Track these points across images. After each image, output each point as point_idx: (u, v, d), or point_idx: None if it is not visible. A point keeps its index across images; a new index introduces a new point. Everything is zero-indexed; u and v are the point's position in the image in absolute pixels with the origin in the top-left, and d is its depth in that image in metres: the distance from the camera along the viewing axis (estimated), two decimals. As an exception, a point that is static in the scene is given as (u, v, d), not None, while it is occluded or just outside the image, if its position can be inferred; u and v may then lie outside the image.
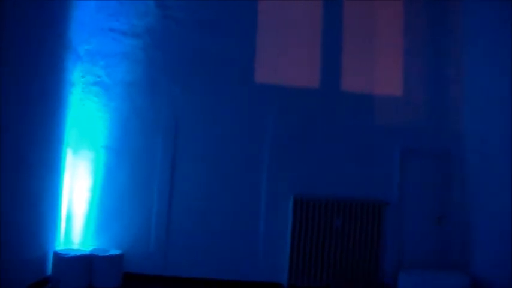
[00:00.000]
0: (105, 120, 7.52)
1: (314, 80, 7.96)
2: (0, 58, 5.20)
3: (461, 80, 8.17)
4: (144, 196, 7.46)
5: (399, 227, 7.90)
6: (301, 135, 7.83)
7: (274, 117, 7.80)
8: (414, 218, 7.97)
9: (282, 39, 7.94)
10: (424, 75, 8.23)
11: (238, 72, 7.81)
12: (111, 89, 7.57)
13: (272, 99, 7.83)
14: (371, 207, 7.73)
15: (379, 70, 8.12)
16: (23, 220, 5.99)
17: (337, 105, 7.97)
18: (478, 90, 7.81)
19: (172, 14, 7.73)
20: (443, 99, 8.22)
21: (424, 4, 8.35)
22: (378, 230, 7.73)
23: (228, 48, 7.79)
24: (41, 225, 6.58)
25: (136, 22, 7.68)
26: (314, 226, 7.57)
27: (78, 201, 7.35)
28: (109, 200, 7.40)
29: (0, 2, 5.19)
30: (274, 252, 7.58)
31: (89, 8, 7.52)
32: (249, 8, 7.90)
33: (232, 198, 7.61)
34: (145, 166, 7.53)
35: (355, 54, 8.07)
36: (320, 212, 7.59)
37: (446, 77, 8.24)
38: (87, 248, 7.16)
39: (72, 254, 6.73)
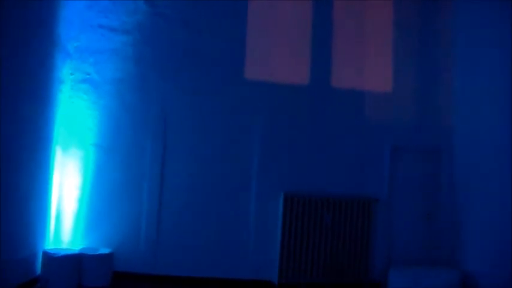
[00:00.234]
0: (94, 117, 7.45)
1: (304, 76, 7.96)
2: (-11, 56, 5.14)
3: (451, 77, 8.23)
4: (134, 194, 7.41)
5: (389, 223, 7.96)
6: (291, 132, 7.84)
7: (264, 114, 7.79)
8: (404, 214, 8.05)
9: (271, 36, 7.93)
10: (414, 72, 8.29)
11: (228, 69, 7.79)
12: (100, 86, 7.49)
13: (262, 96, 7.82)
14: (361, 204, 7.77)
15: (369, 67, 8.16)
16: (11, 219, 5.89)
17: (327, 102, 7.98)
18: (468, 88, 7.87)
19: (162, 11, 7.67)
20: (433, 97, 8.29)
21: (414, 1, 8.38)
22: (368, 226, 7.77)
23: (217, 45, 7.76)
24: (30, 225, 6.50)
25: (125, 19, 7.60)
26: (304, 223, 7.59)
27: (67, 199, 7.27)
28: (99, 199, 7.33)
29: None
30: (265, 250, 7.58)
31: (78, 5, 7.42)
32: (239, 5, 7.86)
33: (222, 195, 7.60)
34: (135, 164, 7.47)
35: (345, 50, 8.11)
36: (310, 209, 7.61)
37: (437, 74, 8.30)
38: (77, 247, 7.10)
39: (62, 253, 6.67)
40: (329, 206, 7.67)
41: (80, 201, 7.31)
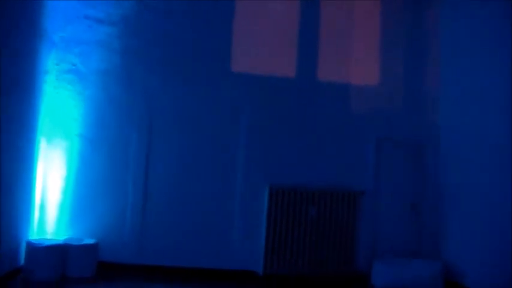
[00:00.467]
0: (79, 108, 7.43)
1: (290, 69, 7.99)
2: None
3: (436, 71, 8.28)
4: (119, 184, 7.40)
5: (374, 215, 8.01)
6: (277, 125, 7.86)
7: (250, 107, 7.80)
8: (389, 206, 8.10)
9: (258, 28, 7.94)
10: (400, 66, 8.32)
11: (214, 61, 7.79)
12: (85, 77, 7.46)
13: (248, 88, 7.83)
14: (346, 196, 7.82)
15: (356, 60, 8.19)
16: (-5, 209, 5.90)
17: (313, 94, 8.01)
18: (454, 81, 7.93)
19: (148, 2, 7.65)
20: (418, 90, 8.34)
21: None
22: (353, 218, 7.82)
23: (204, 37, 7.76)
24: (13, 215, 6.46)
25: (112, 10, 7.58)
26: (289, 215, 7.62)
27: (52, 190, 7.25)
28: (83, 189, 7.31)
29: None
30: (250, 241, 7.60)
31: (64, -5, 7.42)
32: (226, -3, 7.90)
33: (207, 187, 7.61)
34: (120, 154, 7.45)
35: (332, 43, 8.13)
36: (296, 201, 7.64)
37: (422, 68, 8.36)
38: (61, 238, 7.08)
39: (46, 243, 6.65)
40: (314, 198, 7.71)
41: (65, 191, 7.28)
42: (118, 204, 7.38)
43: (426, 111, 8.30)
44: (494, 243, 6.68)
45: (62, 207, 7.26)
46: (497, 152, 6.77)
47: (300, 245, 7.63)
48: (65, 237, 7.12)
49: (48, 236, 7.14)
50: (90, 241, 7.04)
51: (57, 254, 6.68)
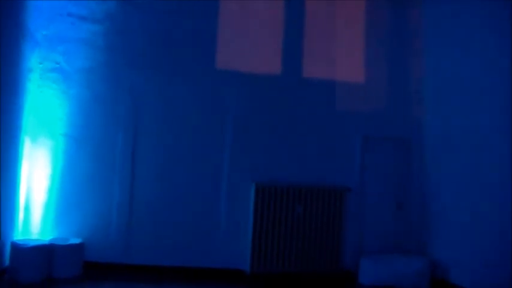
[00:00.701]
0: (64, 107, 7.35)
1: (276, 67, 7.96)
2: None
3: (421, 70, 8.30)
4: (105, 184, 7.36)
5: (360, 212, 8.03)
6: (262, 122, 7.85)
7: (236, 104, 7.78)
8: (375, 203, 8.14)
9: (244, 25, 7.90)
10: (385, 63, 8.33)
11: (199, 58, 7.74)
12: (70, 75, 7.39)
13: (234, 85, 7.80)
14: (332, 193, 7.83)
15: (341, 57, 8.19)
16: (-22, 210, 5.85)
17: (299, 91, 8.00)
18: (439, 79, 7.95)
19: (133, 0, 7.58)
20: (404, 87, 8.35)
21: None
22: (340, 216, 7.84)
23: (189, 35, 7.71)
24: (-3, 215, 6.43)
25: (95, 7, 7.49)
26: (276, 213, 7.62)
27: (36, 190, 7.19)
28: (69, 189, 7.26)
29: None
30: (237, 239, 7.61)
31: (46, -8, 7.32)
32: (211, -6, 7.84)
33: (193, 185, 7.58)
34: (106, 153, 7.40)
35: (317, 40, 8.11)
36: (282, 198, 7.65)
37: (407, 66, 8.37)
38: (47, 238, 7.04)
39: (31, 244, 6.60)
40: (301, 196, 7.72)
41: (50, 191, 7.23)
42: (104, 203, 7.34)
43: (411, 108, 8.33)
44: (479, 240, 6.73)
45: (47, 207, 7.20)
46: (482, 148, 6.81)
47: (286, 243, 7.65)
48: (51, 237, 7.08)
49: (34, 237, 7.10)
50: (76, 241, 6.99)
51: (42, 254, 6.63)
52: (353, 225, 7.96)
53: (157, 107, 7.58)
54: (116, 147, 7.42)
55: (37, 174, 7.21)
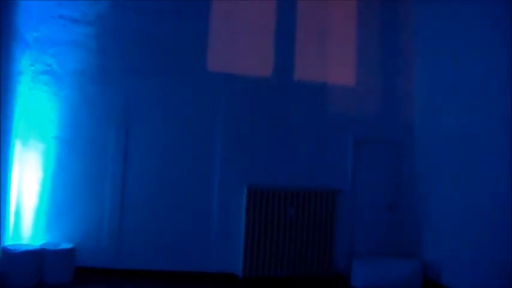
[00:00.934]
0: (55, 110, 7.28)
1: (267, 69, 7.98)
2: None
3: (412, 73, 8.36)
4: (96, 188, 7.30)
5: (352, 214, 8.06)
6: (254, 125, 7.87)
7: (227, 107, 7.77)
8: (366, 206, 8.18)
9: (235, 27, 7.91)
10: (376, 67, 8.37)
11: (191, 61, 7.73)
12: (61, 78, 7.32)
13: (225, 88, 7.80)
14: (324, 195, 7.85)
15: (332, 60, 8.24)
16: (-32, 215, 5.76)
17: (290, 94, 8.04)
18: (430, 82, 8.00)
19: (124, 2, 7.54)
20: (395, 90, 8.41)
21: (377, -2, 8.46)
22: (331, 218, 7.85)
23: (180, 37, 7.71)
24: (-13, 220, 6.35)
25: (87, 10, 7.43)
26: (268, 216, 7.62)
27: (27, 194, 7.10)
28: (60, 193, 7.19)
29: None
30: (228, 243, 7.60)
31: (36, -6, 7.24)
32: (203, -4, 7.82)
33: (185, 189, 7.57)
34: (97, 157, 7.35)
35: (309, 43, 8.16)
36: (274, 201, 7.65)
37: (398, 69, 8.43)
38: (38, 243, 6.96)
39: (22, 249, 6.53)
40: (292, 198, 7.72)
41: (41, 195, 7.14)
42: (95, 208, 7.28)
43: (402, 111, 8.38)
44: (470, 242, 6.78)
45: (38, 211, 7.12)
46: (473, 151, 6.87)
47: (279, 246, 7.64)
48: (42, 242, 7.00)
49: (24, 241, 7.00)
50: (67, 246, 6.93)
51: (33, 259, 6.56)
52: (345, 227, 7.98)
53: (149, 110, 7.55)
54: (108, 151, 7.37)
55: (28, 178, 7.12)
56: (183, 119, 7.66)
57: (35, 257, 6.59)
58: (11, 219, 6.97)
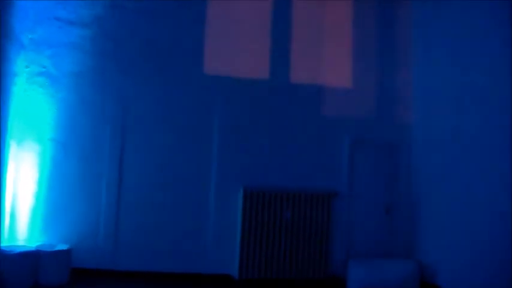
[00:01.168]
0: (51, 111, 7.29)
1: (264, 71, 7.97)
2: None
3: (409, 74, 8.34)
4: (92, 189, 7.31)
5: (348, 216, 8.04)
6: (251, 126, 7.85)
7: (223, 109, 7.77)
8: (363, 207, 8.14)
9: (231, 30, 7.91)
10: (373, 68, 8.36)
11: (187, 63, 7.74)
12: (57, 79, 7.33)
13: (221, 90, 7.80)
14: (321, 197, 7.82)
15: (329, 62, 8.22)
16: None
17: (287, 96, 8.02)
18: (426, 84, 7.99)
19: (122, 3, 7.56)
20: (392, 91, 8.38)
21: (374, -1, 8.46)
22: (328, 220, 7.83)
23: (177, 39, 7.72)
24: (-18, 222, 6.34)
25: (83, 11, 7.46)
26: (264, 217, 7.61)
27: (23, 195, 7.11)
28: (56, 194, 7.19)
29: None
30: (225, 244, 7.59)
31: (32, -5, 7.24)
32: (200, -1, 7.83)
33: (181, 190, 7.57)
34: (93, 158, 7.36)
35: (305, 45, 8.15)
36: (270, 203, 7.63)
37: (396, 70, 8.40)
38: (33, 244, 6.95)
39: (17, 250, 6.52)
40: (289, 200, 7.70)
41: (37, 196, 7.15)
42: (91, 209, 7.29)
43: (399, 113, 8.36)
44: (468, 244, 6.76)
45: (33, 212, 7.13)
46: (470, 153, 6.85)
47: (275, 248, 7.63)
48: (37, 243, 6.99)
49: (20, 243, 7.01)
50: (63, 247, 6.92)
51: (29, 261, 6.55)
52: (341, 229, 7.97)
53: (146, 112, 7.55)
54: (104, 152, 7.38)
55: (23, 179, 7.12)
56: (180, 120, 7.66)
57: (31, 259, 6.57)
58: (6, 220, 6.96)
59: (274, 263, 7.61)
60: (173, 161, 7.57)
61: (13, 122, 7.01)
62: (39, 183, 7.18)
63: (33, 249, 6.73)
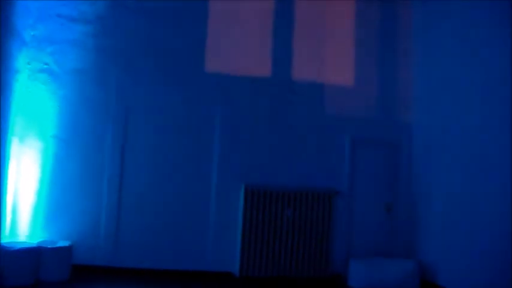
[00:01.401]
0: (53, 108, 7.30)
1: (265, 69, 7.97)
2: None
3: (411, 73, 8.34)
4: (94, 186, 7.32)
5: (349, 215, 8.05)
6: (252, 125, 7.86)
7: (225, 107, 7.78)
8: (364, 206, 8.15)
9: (233, 28, 7.92)
10: (374, 67, 8.36)
11: (189, 61, 7.74)
12: (59, 76, 7.34)
13: (223, 88, 7.81)
14: (321, 196, 7.84)
15: (330, 60, 8.22)
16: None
17: (288, 94, 8.02)
18: (428, 82, 7.98)
19: (123, 1, 7.56)
20: (393, 91, 8.38)
21: (376, -3, 8.45)
22: (329, 218, 7.84)
23: (179, 37, 7.72)
24: (-16, 218, 6.36)
25: (85, 8, 7.46)
26: (265, 216, 7.62)
27: (24, 192, 7.12)
28: (57, 191, 7.21)
29: None
30: (225, 242, 7.61)
31: (34, -8, 7.25)
32: (201, -4, 7.83)
33: (182, 187, 7.58)
34: (95, 155, 7.37)
35: (307, 43, 8.14)
36: (271, 201, 7.64)
37: (397, 70, 8.40)
38: (35, 241, 6.97)
39: (18, 246, 6.53)
40: (290, 199, 7.71)
41: (38, 193, 7.17)
42: (93, 206, 7.31)
43: (400, 112, 8.36)
44: (468, 244, 6.77)
45: (35, 209, 7.14)
46: (470, 152, 6.86)
47: (275, 246, 7.64)
48: (39, 240, 7.02)
49: (21, 239, 7.03)
50: (64, 244, 6.93)
51: (30, 257, 6.55)
52: (342, 228, 7.97)
53: (147, 110, 7.56)
54: (105, 149, 7.39)
55: (25, 175, 7.14)
56: (181, 118, 7.66)
57: (32, 255, 6.58)
58: (8, 216, 6.99)
59: (275, 261, 7.62)
60: (175, 158, 7.59)
61: (15, 119, 7.03)
62: (41, 180, 7.20)
63: (34, 245, 6.74)
